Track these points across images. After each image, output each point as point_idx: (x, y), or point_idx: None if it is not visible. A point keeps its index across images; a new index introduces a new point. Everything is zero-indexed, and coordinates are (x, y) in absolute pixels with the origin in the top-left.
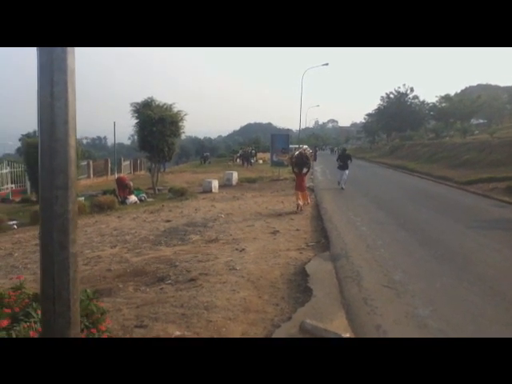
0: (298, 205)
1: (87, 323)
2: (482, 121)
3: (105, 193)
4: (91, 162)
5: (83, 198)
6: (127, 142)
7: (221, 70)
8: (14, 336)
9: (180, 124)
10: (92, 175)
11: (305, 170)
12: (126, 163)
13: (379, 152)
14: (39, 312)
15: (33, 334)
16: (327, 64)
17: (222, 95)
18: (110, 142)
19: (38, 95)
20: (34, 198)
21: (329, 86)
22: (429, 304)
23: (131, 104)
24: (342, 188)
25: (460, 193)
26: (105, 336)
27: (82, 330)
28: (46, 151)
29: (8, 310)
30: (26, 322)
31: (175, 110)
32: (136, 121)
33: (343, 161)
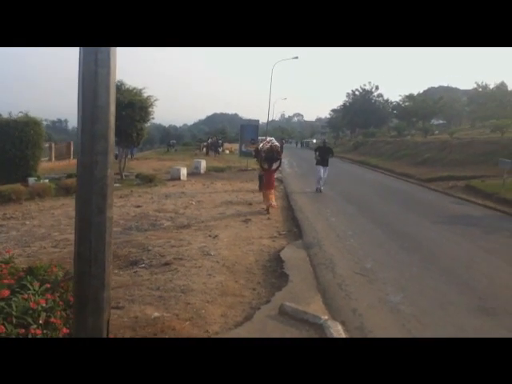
0: (267, 206)
1: None
2: (441, 121)
3: (69, 176)
4: (53, 145)
5: (47, 181)
6: None
7: (188, 57)
8: (13, 306)
9: (150, 109)
10: (54, 158)
11: (274, 166)
12: None
13: (343, 147)
14: (36, 284)
15: (33, 306)
16: (297, 57)
17: (188, 83)
18: (70, 125)
19: (80, 62)
20: None
21: (296, 80)
22: (399, 291)
23: None
24: (320, 190)
25: (421, 189)
26: None
27: (71, 306)
28: (88, 117)
29: (6, 281)
30: (22, 293)
31: (145, 95)
32: None
33: (323, 155)
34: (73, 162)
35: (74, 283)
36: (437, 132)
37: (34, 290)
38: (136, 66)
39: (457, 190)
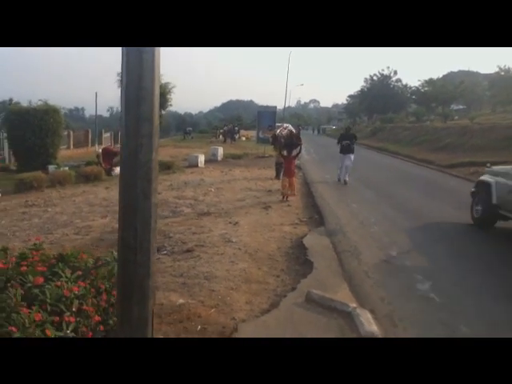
0: (283, 194)
1: (107, 285)
2: (461, 106)
3: (87, 164)
4: (71, 133)
5: (67, 168)
6: (106, 115)
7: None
8: (47, 294)
9: (167, 96)
10: (72, 146)
11: (294, 153)
12: (106, 135)
13: (361, 134)
14: (68, 272)
15: (66, 293)
16: None
17: (203, 71)
18: (87, 113)
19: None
20: (13, 167)
21: (312, 66)
22: (428, 279)
23: (118, 73)
24: (345, 182)
25: (442, 175)
26: None
27: (101, 293)
28: (133, 100)
29: (41, 269)
30: (54, 281)
31: (163, 81)
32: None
33: (347, 142)
34: (91, 149)
35: (117, 271)
36: (456, 117)
37: (67, 278)
38: None
39: (478, 175)
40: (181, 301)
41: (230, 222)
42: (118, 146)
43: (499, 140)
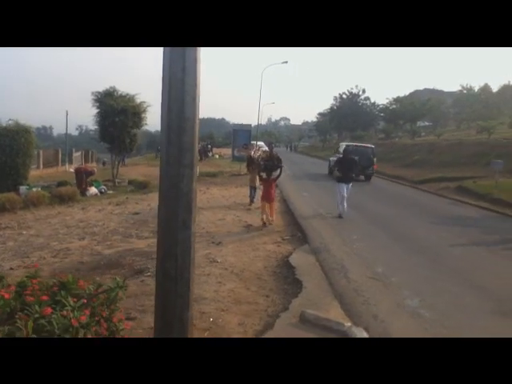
0: (263, 220)
1: (107, 313)
2: (427, 123)
3: (60, 184)
4: (41, 152)
5: (39, 189)
6: (75, 133)
7: None
8: (54, 324)
9: (143, 115)
10: (41, 166)
11: (274, 175)
12: (76, 154)
13: (332, 150)
14: (74, 300)
15: (74, 323)
16: (286, 62)
17: None
18: (55, 132)
19: (164, 71)
20: None
21: (282, 83)
22: (415, 295)
23: (92, 93)
24: (340, 215)
25: (415, 191)
26: (126, 326)
27: (99, 321)
28: (175, 130)
29: (45, 298)
30: (57, 310)
31: (138, 100)
32: (97, 110)
33: (346, 170)
34: (61, 169)
35: (156, 302)
36: (423, 134)
37: (71, 306)
38: (119, 68)
39: (449, 191)
40: None
41: (213, 242)
42: (91, 165)
43: (466, 156)
